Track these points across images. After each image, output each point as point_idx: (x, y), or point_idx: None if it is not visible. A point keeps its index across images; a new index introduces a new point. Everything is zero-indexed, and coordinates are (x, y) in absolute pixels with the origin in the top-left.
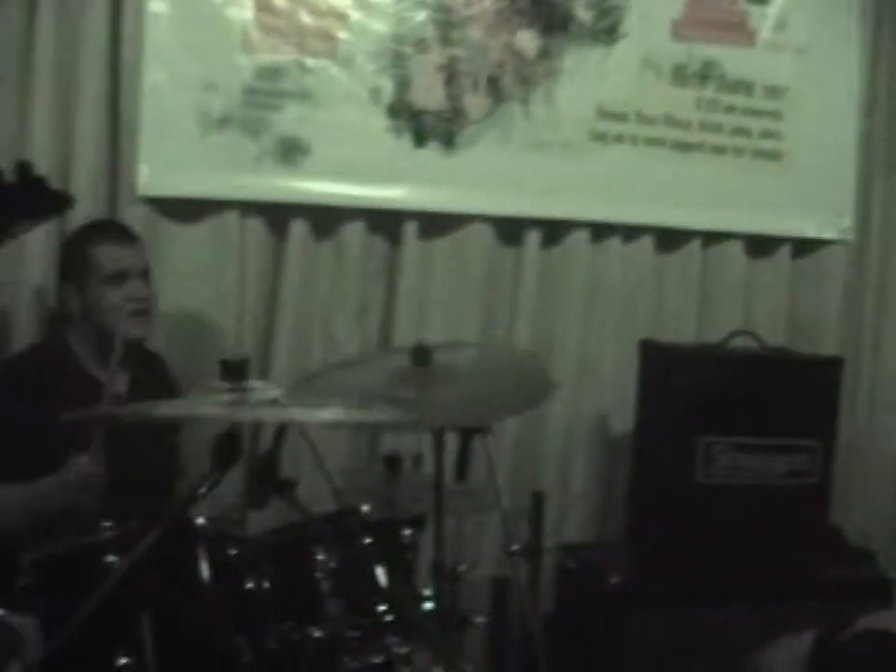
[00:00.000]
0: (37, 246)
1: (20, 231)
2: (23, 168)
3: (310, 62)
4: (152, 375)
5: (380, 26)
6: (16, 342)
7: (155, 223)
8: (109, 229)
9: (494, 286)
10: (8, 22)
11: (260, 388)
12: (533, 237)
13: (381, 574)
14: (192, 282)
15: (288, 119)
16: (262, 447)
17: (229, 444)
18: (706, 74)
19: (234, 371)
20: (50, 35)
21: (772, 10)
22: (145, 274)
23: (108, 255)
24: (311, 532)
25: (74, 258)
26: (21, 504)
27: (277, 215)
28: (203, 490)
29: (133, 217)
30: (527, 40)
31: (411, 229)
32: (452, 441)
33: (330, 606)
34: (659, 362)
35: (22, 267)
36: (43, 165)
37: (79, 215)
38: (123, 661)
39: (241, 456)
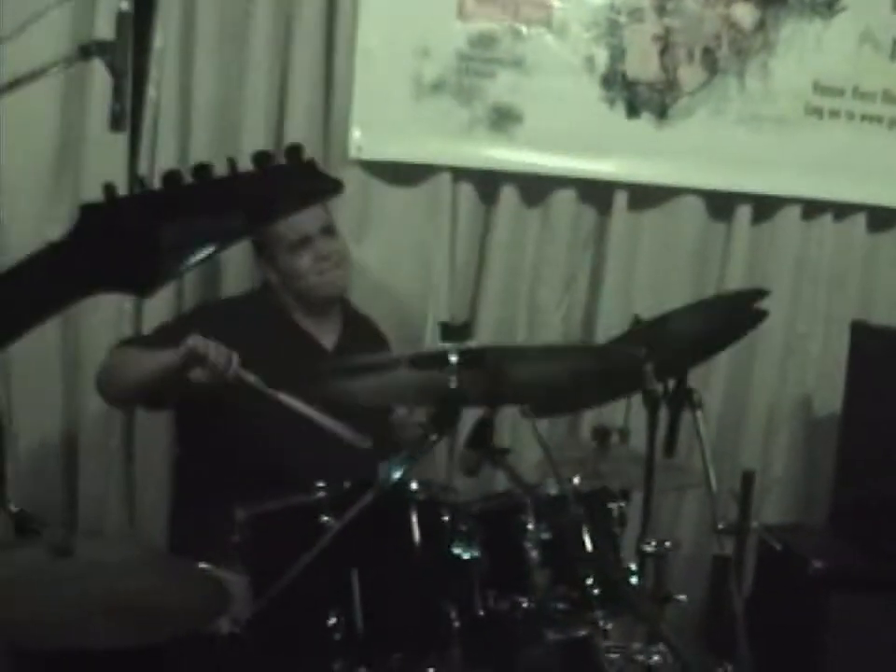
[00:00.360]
0: None
1: (288, 213)
2: (294, 151)
3: (524, 29)
4: (360, 332)
5: None
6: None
7: (367, 185)
8: None
9: (702, 259)
10: None
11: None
12: (744, 212)
13: (590, 546)
14: (402, 243)
15: (501, 87)
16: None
17: (448, 408)
18: None
19: (455, 334)
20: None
21: None
22: (327, 231)
23: (287, 224)
24: (521, 501)
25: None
26: (145, 366)
27: (488, 180)
28: (419, 452)
29: (345, 178)
30: (744, 12)
31: (620, 199)
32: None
33: (538, 576)
34: (871, 345)
35: None
36: (257, 128)
37: None
38: (333, 620)
39: (458, 420)
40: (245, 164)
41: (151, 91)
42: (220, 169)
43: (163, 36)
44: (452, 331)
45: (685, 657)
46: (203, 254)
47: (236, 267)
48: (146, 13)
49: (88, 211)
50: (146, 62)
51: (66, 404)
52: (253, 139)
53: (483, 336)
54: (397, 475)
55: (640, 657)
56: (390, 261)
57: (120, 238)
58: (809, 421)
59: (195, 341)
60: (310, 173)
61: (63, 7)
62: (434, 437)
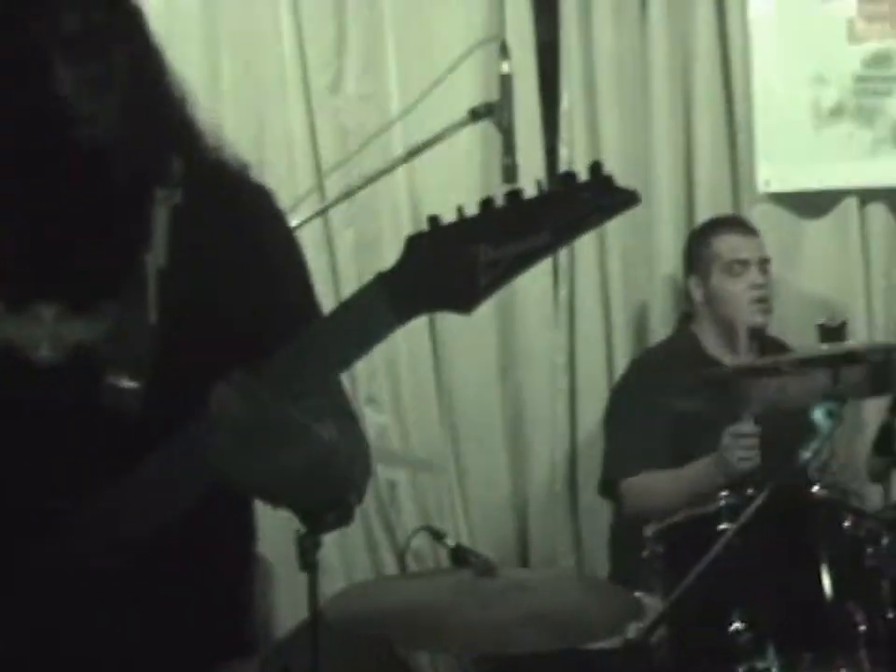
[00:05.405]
0: (667, 241)
1: (590, 228)
2: (595, 167)
3: None
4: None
5: None
6: (653, 332)
7: (778, 218)
8: (729, 221)
9: None
10: (625, 44)
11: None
12: None
13: None
14: (819, 272)
15: None
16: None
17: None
18: None
19: (832, 334)
20: (664, 45)
21: None
22: (763, 264)
23: (728, 245)
24: None
25: (696, 250)
26: (679, 488)
27: None
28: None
29: (757, 213)
30: None
31: None
32: None
33: None
34: None
35: (655, 261)
36: (666, 174)
37: (704, 213)
38: (736, 625)
39: None
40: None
41: (563, 151)
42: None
43: (569, 97)
44: (828, 332)
45: None
46: (515, 271)
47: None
48: (550, 78)
49: (412, 240)
50: (555, 122)
51: (511, 454)
52: (664, 185)
53: None
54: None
55: None
56: (809, 291)
57: (441, 261)
58: None
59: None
60: (608, 187)
61: (458, 73)
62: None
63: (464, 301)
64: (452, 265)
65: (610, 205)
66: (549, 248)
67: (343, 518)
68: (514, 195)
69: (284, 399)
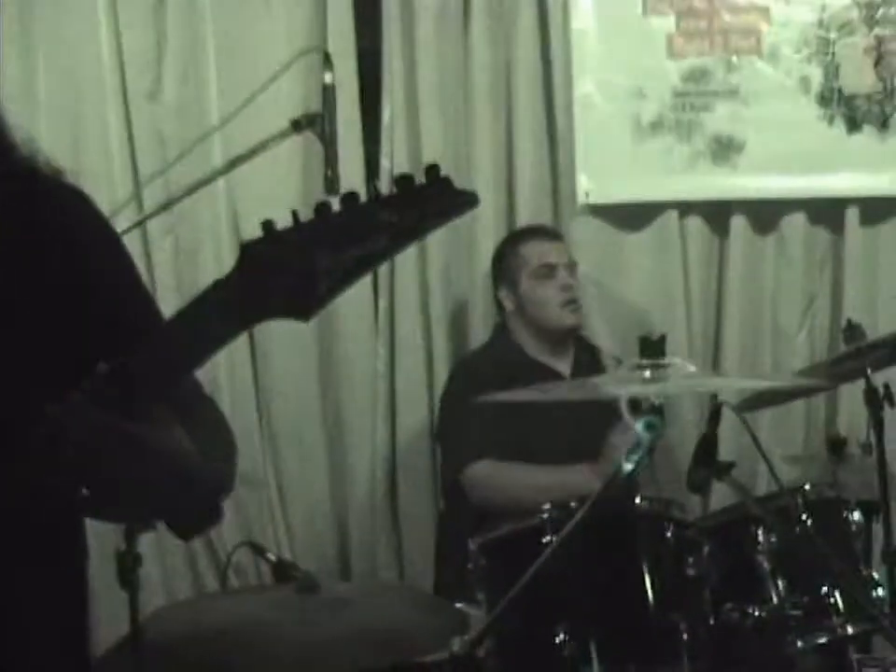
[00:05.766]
0: (487, 252)
1: (428, 231)
2: (431, 169)
3: (735, 59)
4: (594, 359)
5: (803, 14)
6: (474, 342)
7: (599, 230)
8: (533, 230)
9: None
10: (448, 55)
11: (678, 364)
12: None
13: (823, 555)
14: (638, 283)
15: (719, 118)
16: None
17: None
18: None
19: (652, 348)
20: (483, 58)
21: None
22: (570, 267)
23: (535, 250)
24: (751, 512)
25: (504, 260)
26: (548, 486)
27: (716, 212)
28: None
29: (577, 225)
30: None
31: (852, 216)
32: None
33: (771, 586)
34: None
35: (476, 273)
36: (487, 186)
37: (525, 223)
38: (561, 636)
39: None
40: None
41: (385, 163)
42: None
43: (391, 107)
44: (649, 345)
45: None
46: (353, 276)
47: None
48: (371, 87)
49: (247, 247)
50: (376, 133)
51: (331, 466)
52: (485, 196)
53: (729, 365)
54: (629, 467)
55: None
56: (629, 301)
57: (279, 268)
58: None
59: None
60: (446, 189)
61: (279, 83)
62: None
63: (303, 309)
64: (289, 272)
65: (449, 208)
66: (387, 253)
67: (214, 517)
68: (351, 199)
69: (123, 413)
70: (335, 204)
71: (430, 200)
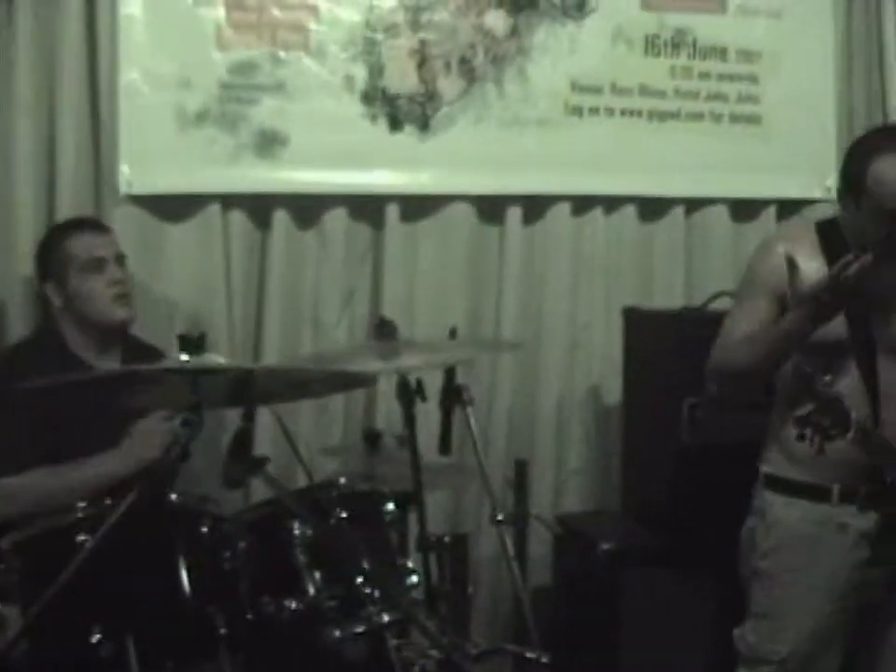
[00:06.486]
0: (26, 242)
1: None
2: None
3: (283, 54)
4: (145, 361)
5: (350, 14)
6: (12, 334)
7: (141, 220)
8: (79, 223)
9: (479, 264)
10: None
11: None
12: (515, 213)
13: (357, 546)
14: (181, 276)
15: (264, 112)
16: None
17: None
18: (678, 42)
19: (192, 346)
20: (28, 41)
21: None
22: (120, 260)
23: (82, 244)
24: (286, 506)
25: (50, 255)
26: (86, 480)
27: (259, 206)
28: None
29: (120, 215)
30: (497, 19)
31: (392, 212)
32: (435, 417)
33: (308, 578)
34: (641, 328)
35: (16, 262)
36: (27, 171)
37: (65, 214)
38: (97, 637)
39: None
40: None
41: None
42: None
43: None
44: (188, 343)
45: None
46: None
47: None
48: None
49: None
50: None
51: None
52: (25, 185)
53: (270, 356)
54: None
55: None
56: (169, 294)
57: None
58: (599, 410)
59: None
60: None
61: None
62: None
63: None
64: None
65: None
66: None
67: None
68: None
69: None
70: None
71: None
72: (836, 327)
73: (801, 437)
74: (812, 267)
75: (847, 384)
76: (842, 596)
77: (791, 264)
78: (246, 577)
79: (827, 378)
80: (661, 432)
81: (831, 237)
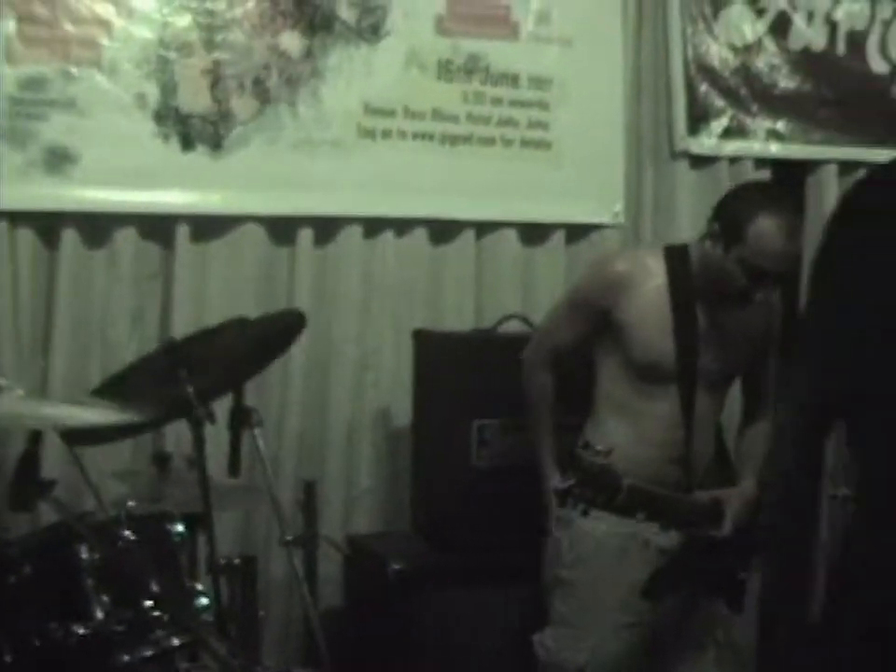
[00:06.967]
0: None
1: None
2: None
3: (74, 70)
4: None
5: (144, 32)
6: None
7: None
8: None
9: (270, 285)
10: None
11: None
12: (306, 235)
13: (145, 569)
14: None
15: (55, 129)
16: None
17: None
18: (471, 68)
19: None
20: None
21: (535, 4)
22: None
23: None
24: (73, 530)
25: None
26: None
27: (48, 224)
28: None
29: None
30: (291, 41)
31: (183, 232)
32: (224, 438)
33: (95, 603)
34: (431, 350)
35: None
36: None
37: None
38: None
39: None
40: None
41: None
42: None
43: None
44: None
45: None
46: None
47: None
48: None
49: None
50: None
51: None
52: None
53: (57, 376)
54: None
55: None
56: None
57: None
58: (389, 431)
59: None
60: None
61: None
62: None
63: None
64: None
65: None
66: None
67: None
68: None
69: None
70: None
71: None
72: (667, 356)
73: (563, 504)
74: (651, 287)
75: (667, 409)
76: (639, 611)
77: (624, 284)
78: (33, 602)
79: (599, 448)
80: (450, 453)
81: (677, 263)
